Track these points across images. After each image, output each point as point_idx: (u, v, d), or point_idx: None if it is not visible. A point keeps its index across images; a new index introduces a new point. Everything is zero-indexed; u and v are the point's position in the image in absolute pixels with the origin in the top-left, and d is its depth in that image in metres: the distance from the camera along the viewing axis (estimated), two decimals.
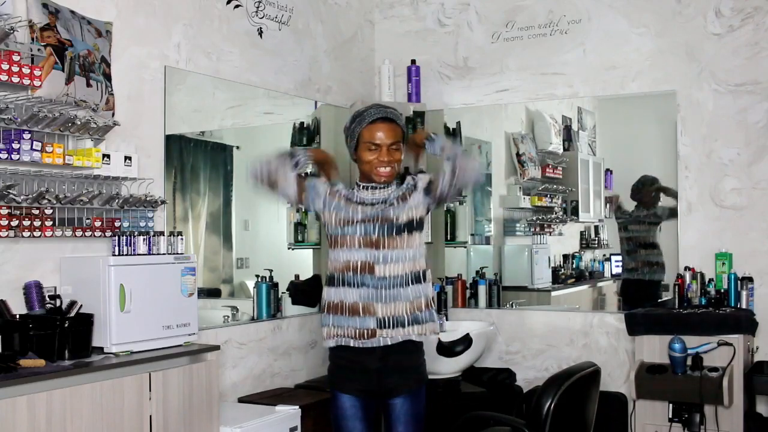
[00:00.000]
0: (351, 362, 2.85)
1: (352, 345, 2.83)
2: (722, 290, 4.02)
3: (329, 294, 2.89)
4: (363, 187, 2.92)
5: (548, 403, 2.94)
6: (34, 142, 2.86)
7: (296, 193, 2.91)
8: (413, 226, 2.87)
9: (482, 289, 4.85)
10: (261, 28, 4.18)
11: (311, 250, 4.59)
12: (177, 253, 3.24)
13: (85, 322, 2.87)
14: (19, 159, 2.81)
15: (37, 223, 2.88)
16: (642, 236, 4.65)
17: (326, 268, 2.99)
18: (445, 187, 2.86)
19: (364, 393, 2.84)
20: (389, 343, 2.80)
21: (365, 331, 2.80)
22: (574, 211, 5.11)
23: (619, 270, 4.81)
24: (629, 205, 4.68)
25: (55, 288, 3.00)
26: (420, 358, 2.91)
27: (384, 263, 2.80)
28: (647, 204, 4.57)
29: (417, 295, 2.85)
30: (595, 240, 5.11)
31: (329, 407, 2.93)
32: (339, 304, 2.84)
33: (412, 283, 2.84)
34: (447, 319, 4.61)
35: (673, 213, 4.32)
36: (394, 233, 2.82)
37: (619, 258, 4.80)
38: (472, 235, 5.14)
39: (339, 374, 2.91)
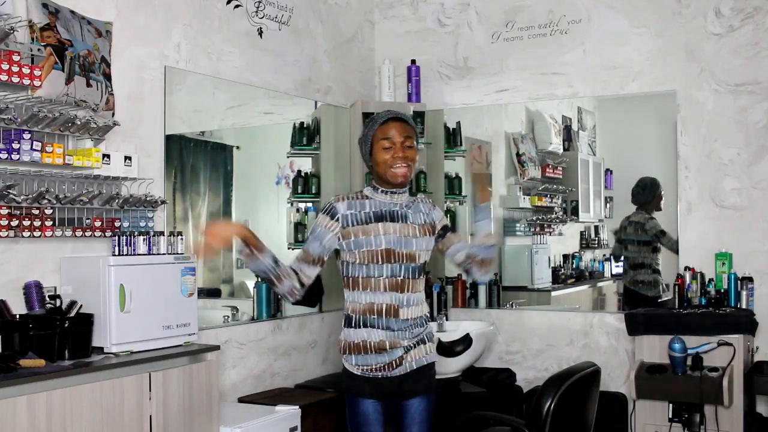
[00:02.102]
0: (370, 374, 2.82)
1: (380, 376, 2.77)
2: (722, 290, 4.02)
3: (349, 335, 2.78)
4: (381, 191, 2.79)
5: (548, 403, 2.94)
6: (34, 142, 2.86)
7: (303, 271, 2.75)
8: (425, 268, 2.87)
9: (482, 289, 4.85)
10: (261, 28, 4.18)
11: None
12: (177, 253, 3.23)
13: (85, 322, 2.87)
14: (19, 159, 2.81)
15: (37, 223, 2.88)
16: (633, 256, 4.65)
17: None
18: (459, 259, 2.87)
19: (385, 396, 2.79)
20: (414, 368, 2.79)
21: (394, 362, 2.75)
22: (574, 211, 5.11)
23: (620, 270, 4.81)
24: (630, 208, 4.67)
25: (55, 288, 3.00)
26: (433, 374, 2.92)
27: (407, 306, 2.77)
28: (651, 207, 4.56)
29: (430, 327, 2.91)
30: (595, 240, 5.11)
31: (347, 414, 2.83)
32: (362, 344, 2.75)
33: (427, 324, 2.86)
34: (447, 319, 4.62)
35: (662, 234, 4.39)
36: (417, 276, 2.79)
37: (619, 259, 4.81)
38: (471, 235, 5.14)
39: (358, 379, 2.80)
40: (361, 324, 2.75)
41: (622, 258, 4.72)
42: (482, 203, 5.16)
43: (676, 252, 4.26)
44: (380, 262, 2.73)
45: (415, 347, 2.78)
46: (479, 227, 2.80)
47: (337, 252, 2.80)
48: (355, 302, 2.77)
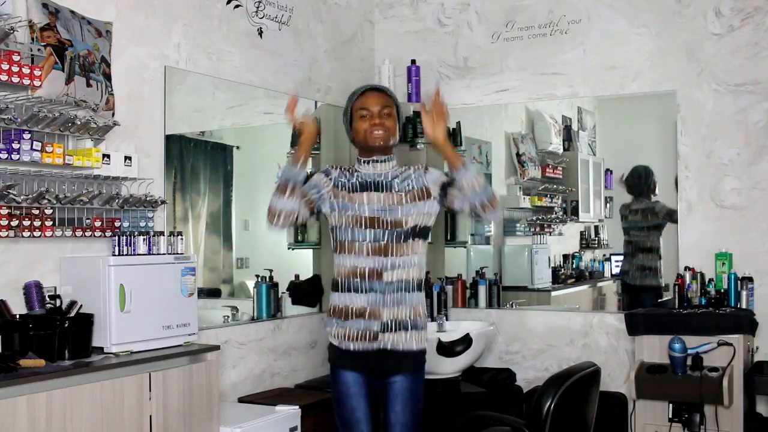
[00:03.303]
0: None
1: (352, 348, 2.84)
2: (722, 290, 4.02)
3: (334, 299, 2.90)
4: (364, 161, 2.91)
5: (548, 403, 2.94)
6: (34, 142, 2.86)
7: (301, 205, 2.82)
8: (421, 232, 2.87)
9: (482, 289, 4.85)
10: (261, 28, 4.18)
11: (311, 250, 4.58)
12: (177, 253, 3.24)
13: (85, 322, 2.87)
14: (19, 159, 2.81)
15: (37, 223, 2.88)
16: (642, 240, 4.64)
17: (331, 272, 2.96)
18: (463, 208, 2.83)
19: (367, 370, 2.85)
20: (388, 348, 2.81)
21: (368, 333, 2.81)
22: (574, 211, 5.11)
23: (618, 270, 4.81)
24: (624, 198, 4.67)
25: (55, 288, 3.00)
26: (421, 356, 2.91)
27: (392, 269, 2.81)
28: (649, 194, 4.57)
29: (419, 302, 2.88)
30: (595, 240, 5.11)
31: (331, 385, 2.94)
32: (344, 309, 2.86)
33: (416, 290, 2.86)
34: (447, 319, 4.61)
35: (672, 216, 4.34)
36: (402, 240, 2.82)
37: (619, 259, 4.80)
38: (472, 235, 5.14)
39: (341, 352, 2.89)
40: (346, 288, 2.84)
41: (626, 243, 4.69)
42: None
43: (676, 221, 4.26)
44: (363, 228, 2.82)
45: (394, 331, 2.80)
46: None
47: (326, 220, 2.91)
48: (340, 266, 2.86)
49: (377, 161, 2.90)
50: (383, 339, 2.81)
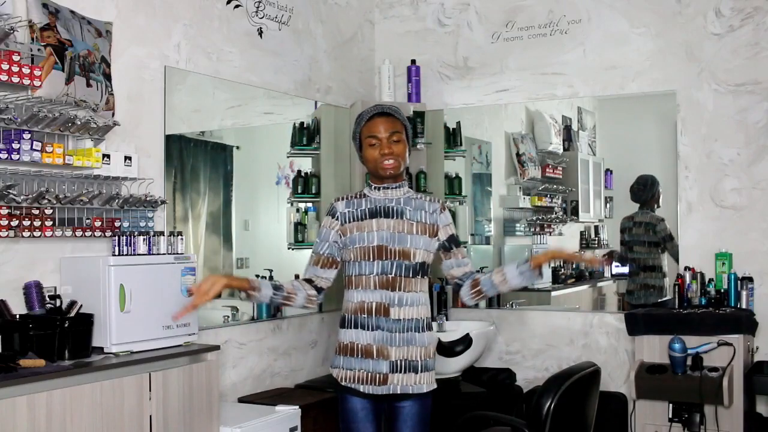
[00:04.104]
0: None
1: (361, 390, 2.74)
2: (722, 290, 4.02)
3: (340, 335, 2.81)
4: (375, 187, 2.83)
5: (548, 403, 2.94)
6: (34, 142, 2.86)
7: (320, 278, 2.82)
8: (426, 270, 2.81)
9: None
10: (261, 28, 4.18)
11: (311, 250, 4.57)
12: (177, 253, 3.24)
13: (85, 322, 2.87)
14: (19, 159, 2.81)
15: (37, 223, 2.88)
16: (644, 258, 4.60)
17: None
18: (454, 274, 2.87)
19: (374, 396, 2.76)
20: (398, 392, 2.73)
21: (377, 376, 2.72)
22: (574, 211, 5.10)
23: (621, 271, 4.78)
24: (630, 208, 4.65)
25: (55, 288, 3.00)
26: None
27: (399, 306, 2.73)
28: (652, 204, 4.54)
29: (430, 341, 2.79)
30: (595, 240, 5.11)
31: (339, 409, 2.84)
32: (350, 345, 2.76)
33: (427, 329, 2.78)
34: (447, 319, 4.62)
35: (670, 238, 4.35)
36: (411, 275, 2.75)
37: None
38: (472, 235, 5.13)
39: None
40: (352, 324, 2.76)
41: (629, 261, 4.62)
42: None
43: (677, 260, 4.24)
44: (371, 259, 2.74)
45: (404, 372, 2.72)
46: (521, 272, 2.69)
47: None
48: (348, 301, 2.79)
49: (388, 188, 2.81)
50: (392, 381, 2.71)
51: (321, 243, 2.83)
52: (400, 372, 2.72)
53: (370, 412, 2.78)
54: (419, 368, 2.74)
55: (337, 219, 2.81)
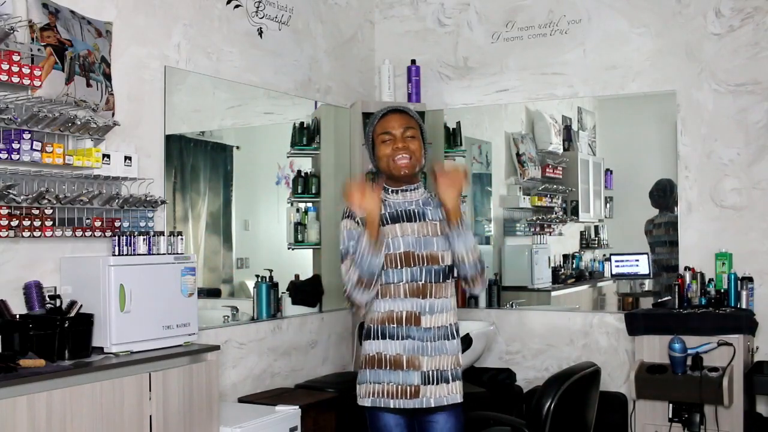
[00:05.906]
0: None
1: (391, 406, 2.56)
2: (722, 290, 4.01)
3: (365, 348, 2.63)
4: (392, 191, 2.66)
5: (548, 403, 2.94)
6: (34, 142, 2.86)
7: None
8: (452, 271, 2.64)
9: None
10: (261, 28, 4.18)
11: (311, 250, 4.58)
12: (177, 253, 3.23)
13: (85, 322, 2.87)
14: (19, 159, 2.81)
15: (37, 223, 2.88)
16: (665, 258, 4.53)
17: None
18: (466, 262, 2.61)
19: (404, 411, 2.59)
20: (432, 405, 2.56)
21: (408, 389, 2.55)
22: (574, 211, 5.11)
23: (621, 271, 4.77)
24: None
25: (55, 288, 3.00)
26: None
27: (430, 314, 2.57)
28: (671, 208, 4.49)
29: (459, 349, 2.65)
30: (595, 240, 5.11)
31: (369, 427, 2.65)
32: (377, 357, 2.58)
33: (456, 336, 2.63)
34: None
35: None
36: (441, 279, 2.59)
37: (619, 258, 4.75)
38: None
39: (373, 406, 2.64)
40: (379, 335, 2.59)
41: (653, 263, 4.54)
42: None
43: None
44: (399, 267, 2.57)
45: (436, 383, 2.56)
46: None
47: None
48: (374, 311, 2.61)
49: (406, 190, 2.65)
50: (425, 394, 2.55)
51: (350, 240, 2.59)
52: (433, 383, 2.56)
53: (404, 428, 2.60)
54: (450, 378, 2.59)
55: (358, 224, 2.58)
